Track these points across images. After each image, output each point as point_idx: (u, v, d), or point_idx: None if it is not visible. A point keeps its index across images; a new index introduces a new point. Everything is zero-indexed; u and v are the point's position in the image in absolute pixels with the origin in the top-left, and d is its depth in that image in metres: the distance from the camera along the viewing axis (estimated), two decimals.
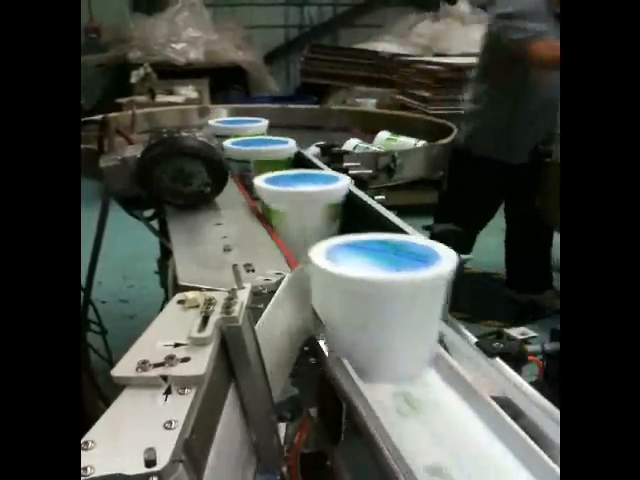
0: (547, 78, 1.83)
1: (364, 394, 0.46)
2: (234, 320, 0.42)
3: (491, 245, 2.28)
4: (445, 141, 1.66)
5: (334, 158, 1.13)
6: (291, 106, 2.28)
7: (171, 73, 3.99)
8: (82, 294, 1.13)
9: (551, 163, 1.96)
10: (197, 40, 4.24)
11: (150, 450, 0.32)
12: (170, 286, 0.76)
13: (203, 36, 4.29)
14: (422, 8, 4.72)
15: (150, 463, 0.32)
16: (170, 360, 0.39)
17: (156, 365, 0.39)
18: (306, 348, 0.56)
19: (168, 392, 0.37)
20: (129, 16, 4.57)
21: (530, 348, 0.58)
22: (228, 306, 0.43)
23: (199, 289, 0.49)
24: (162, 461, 0.32)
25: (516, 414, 0.45)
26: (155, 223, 1.14)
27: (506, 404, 0.46)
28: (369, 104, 3.46)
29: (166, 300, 1.12)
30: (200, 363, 0.39)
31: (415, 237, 0.60)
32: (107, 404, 0.37)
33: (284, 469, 0.53)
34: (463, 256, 0.58)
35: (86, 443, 0.34)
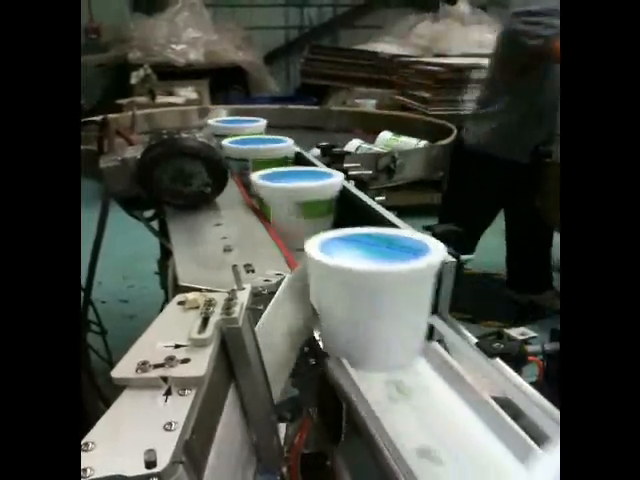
0: None
1: (356, 381, 0.48)
2: (234, 321, 0.42)
3: (491, 245, 2.28)
4: (445, 142, 1.66)
5: (334, 159, 1.13)
6: (291, 107, 2.28)
7: (171, 74, 3.99)
8: (82, 294, 1.13)
9: (551, 163, 1.96)
10: (197, 41, 4.24)
11: (150, 451, 0.32)
12: (170, 286, 0.76)
13: (203, 37, 4.29)
14: (422, 9, 4.72)
15: (150, 464, 0.32)
16: (170, 361, 0.39)
17: (156, 366, 0.39)
18: (306, 348, 0.57)
19: (168, 393, 0.37)
20: (129, 16, 4.57)
21: (530, 348, 0.58)
22: (228, 307, 0.43)
23: (199, 290, 0.49)
24: (162, 462, 0.32)
25: (516, 414, 0.45)
26: (155, 223, 1.14)
27: (506, 404, 0.46)
28: (369, 105, 3.46)
29: (166, 300, 1.12)
30: (200, 364, 0.39)
31: (407, 231, 0.62)
32: (107, 405, 0.37)
33: (284, 469, 0.53)
34: (463, 257, 0.58)
35: (86, 444, 0.34)
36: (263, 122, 1.37)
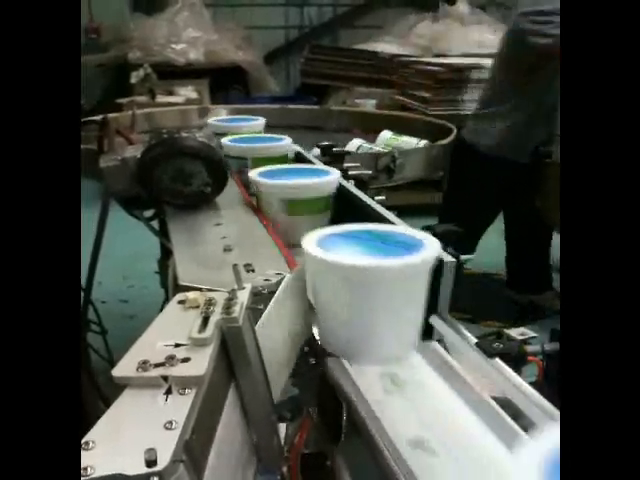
0: None
1: (353, 376, 0.49)
2: (234, 320, 0.42)
3: (491, 245, 2.28)
4: (445, 141, 1.66)
5: (334, 158, 1.13)
6: (291, 106, 2.29)
7: (171, 73, 3.99)
8: (82, 294, 1.13)
9: (551, 163, 1.95)
10: (197, 40, 4.24)
11: (151, 450, 0.32)
12: (170, 286, 0.76)
13: (203, 36, 4.29)
14: (422, 9, 4.72)
15: (151, 463, 0.32)
16: (170, 360, 0.39)
17: (156, 365, 0.39)
18: (306, 348, 0.57)
19: (168, 392, 0.37)
20: (129, 16, 4.57)
21: (530, 348, 0.58)
22: (228, 306, 0.43)
23: (199, 289, 0.49)
24: (163, 461, 0.32)
25: (516, 414, 0.45)
26: (155, 223, 1.14)
27: (506, 404, 0.46)
28: (369, 105, 3.46)
29: (166, 300, 1.12)
30: (200, 363, 0.39)
31: (402, 227, 0.62)
32: (107, 404, 0.37)
33: (284, 469, 0.53)
34: (463, 257, 0.58)
35: (86, 443, 0.34)
36: (262, 121, 1.38)
